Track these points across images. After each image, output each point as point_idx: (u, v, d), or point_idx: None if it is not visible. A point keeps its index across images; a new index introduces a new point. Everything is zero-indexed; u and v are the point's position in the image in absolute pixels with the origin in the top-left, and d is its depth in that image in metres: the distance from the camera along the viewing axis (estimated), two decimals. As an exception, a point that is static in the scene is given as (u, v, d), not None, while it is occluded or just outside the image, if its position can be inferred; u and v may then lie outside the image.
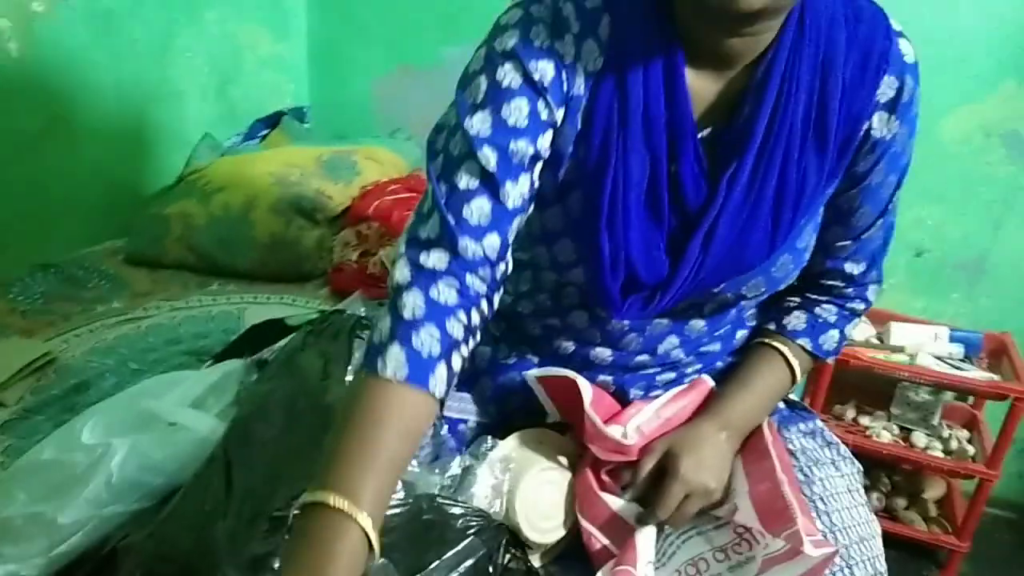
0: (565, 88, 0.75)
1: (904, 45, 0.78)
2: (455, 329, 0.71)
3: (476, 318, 0.74)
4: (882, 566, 0.87)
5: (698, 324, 0.89)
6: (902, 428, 1.87)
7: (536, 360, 0.93)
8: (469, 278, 0.72)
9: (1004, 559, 1.98)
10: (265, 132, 2.08)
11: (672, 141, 0.75)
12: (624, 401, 0.91)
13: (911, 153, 0.85)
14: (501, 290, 0.78)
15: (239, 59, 2.00)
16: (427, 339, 0.69)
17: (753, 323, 0.96)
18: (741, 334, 0.95)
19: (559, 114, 0.76)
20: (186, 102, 1.88)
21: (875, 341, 1.84)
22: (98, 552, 0.83)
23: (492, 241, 0.73)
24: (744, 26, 0.71)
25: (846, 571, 0.84)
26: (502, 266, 0.76)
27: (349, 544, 0.61)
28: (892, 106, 0.78)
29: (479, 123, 0.74)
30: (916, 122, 0.82)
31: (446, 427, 0.92)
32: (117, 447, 0.82)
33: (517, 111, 0.74)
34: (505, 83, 0.74)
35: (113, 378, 1.32)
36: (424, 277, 0.71)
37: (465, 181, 0.73)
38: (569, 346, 0.90)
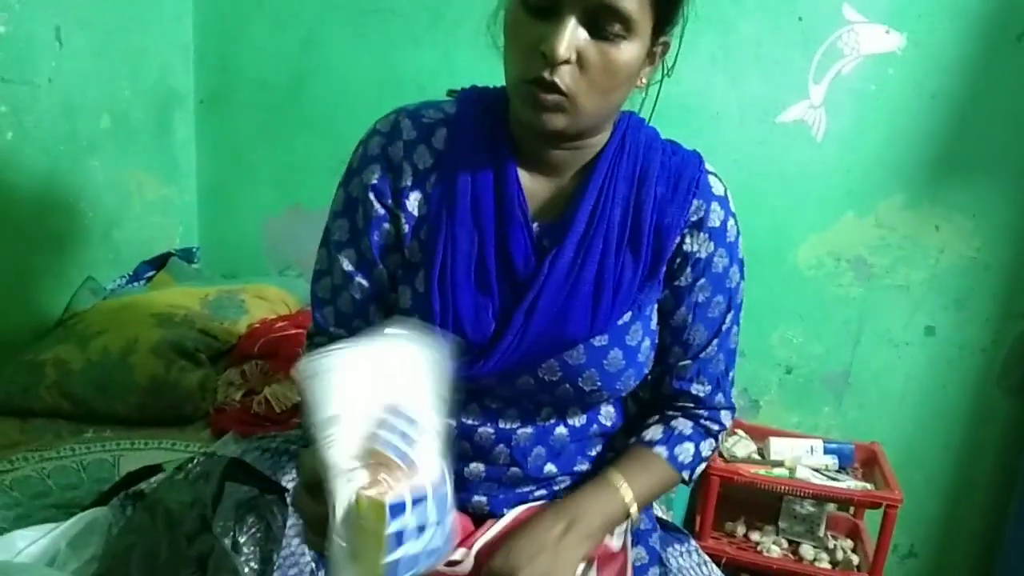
0: (392, 183, 0.92)
1: (713, 180, 0.93)
2: None
3: None
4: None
5: (561, 433, 0.93)
6: (791, 541, 1.93)
7: None
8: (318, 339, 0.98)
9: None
10: (151, 274, 2.06)
11: (501, 224, 0.88)
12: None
13: (739, 281, 0.95)
14: None
15: (125, 203, 2.00)
16: None
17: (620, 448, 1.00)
18: (611, 457, 0.99)
19: (391, 203, 0.92)
20: (67, 247, 1.86)
21: (756, 457, 1.92)
22: None
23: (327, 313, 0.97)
24: (559, 141, 0.88)
25: None
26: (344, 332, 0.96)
27: None
28: (700, 225, 0.91)
29: (338, 230, 0.95)
30: (737, 250, 0.94)
31: None
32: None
33: (364, 217, 0.92)
34: (354, 194, 0.94)
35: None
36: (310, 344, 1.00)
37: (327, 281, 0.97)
38: None
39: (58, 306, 1.83)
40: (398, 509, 0.59)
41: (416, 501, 0.61)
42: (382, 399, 0.63)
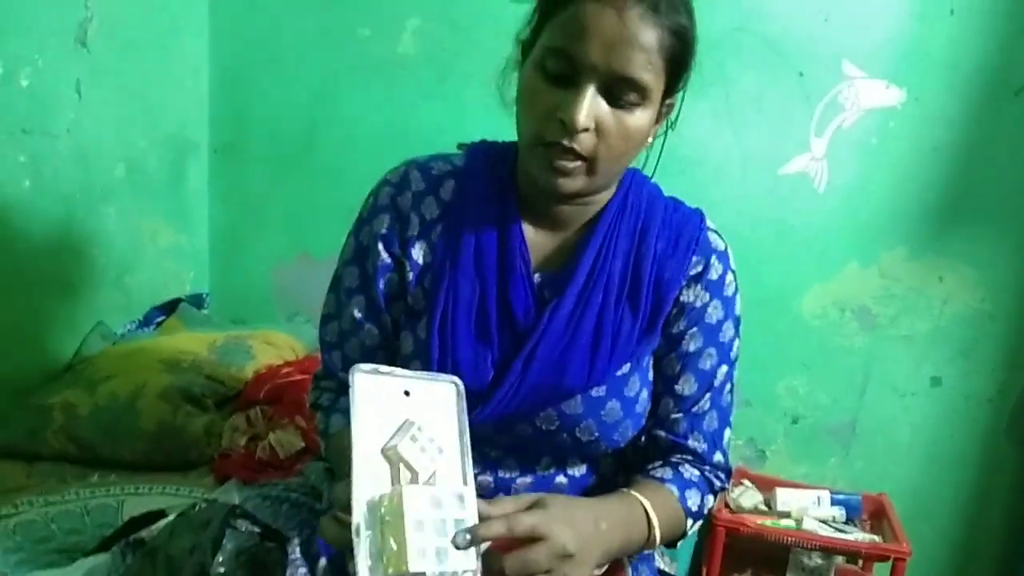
0: (400, 232, 0.94)
1: (713, 236, 0.94)
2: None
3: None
4: None
5: (561, 483, 0.94)
6: (798, 595, 1.89)
7: None
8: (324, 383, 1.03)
9: None
10: (162, 319, 2.09)
11: (503, 275, 0.90)
12: None
13: (733, 337, 0.96)
14: None
15: (138, 249, 2.04)
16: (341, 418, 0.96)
17: None
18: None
19: (397, 251, 0.94)
20: (80, 292, 1.89)
21: (763, 507, 1.90)
22: None
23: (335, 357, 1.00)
24: (566, 202, 0.90)
25: None
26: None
27: None
28: (699, 279, 0.93)
29: (348, 276, 0.97)
30: (733, 306, 0.95)
31: None
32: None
33: (372, 265, 0.95)
34: (364, 242, 0.96)
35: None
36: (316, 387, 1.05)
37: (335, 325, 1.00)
38: None
39: (68, 350, 1.85)
40: (417, 496, 0.63)
41: (435, 501, 0.64)
42: (419, 422, 0.69)
